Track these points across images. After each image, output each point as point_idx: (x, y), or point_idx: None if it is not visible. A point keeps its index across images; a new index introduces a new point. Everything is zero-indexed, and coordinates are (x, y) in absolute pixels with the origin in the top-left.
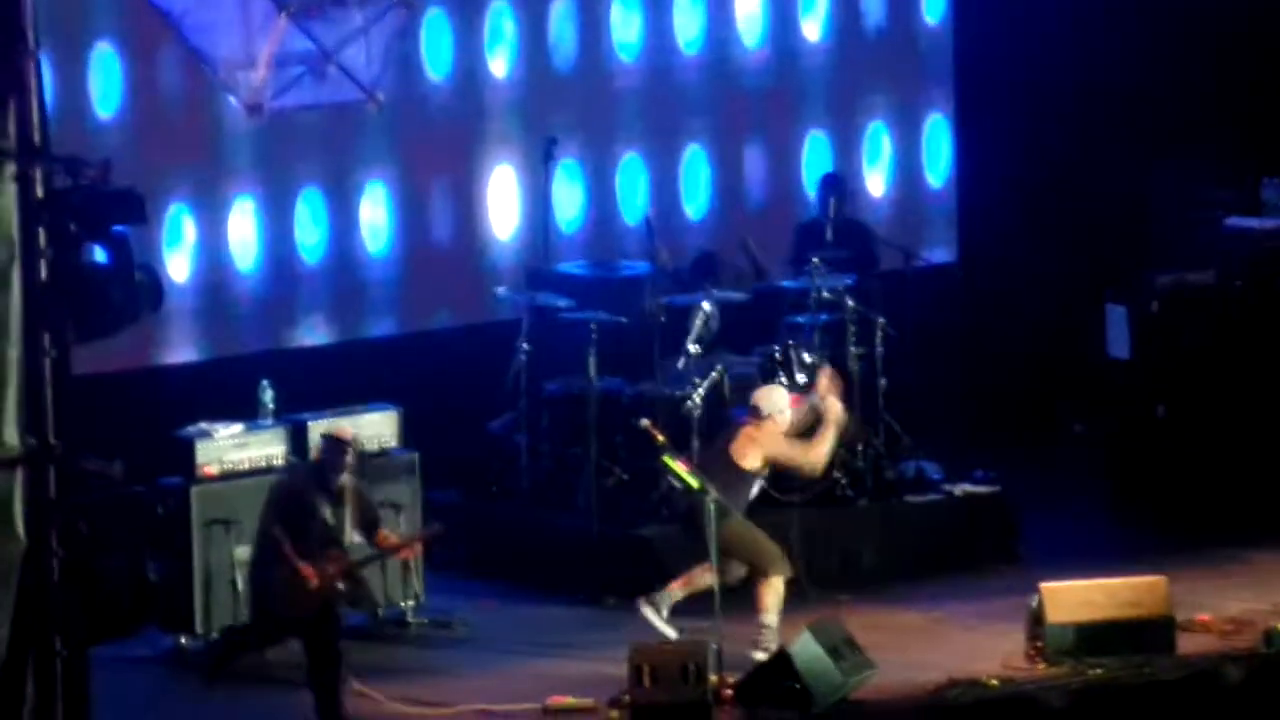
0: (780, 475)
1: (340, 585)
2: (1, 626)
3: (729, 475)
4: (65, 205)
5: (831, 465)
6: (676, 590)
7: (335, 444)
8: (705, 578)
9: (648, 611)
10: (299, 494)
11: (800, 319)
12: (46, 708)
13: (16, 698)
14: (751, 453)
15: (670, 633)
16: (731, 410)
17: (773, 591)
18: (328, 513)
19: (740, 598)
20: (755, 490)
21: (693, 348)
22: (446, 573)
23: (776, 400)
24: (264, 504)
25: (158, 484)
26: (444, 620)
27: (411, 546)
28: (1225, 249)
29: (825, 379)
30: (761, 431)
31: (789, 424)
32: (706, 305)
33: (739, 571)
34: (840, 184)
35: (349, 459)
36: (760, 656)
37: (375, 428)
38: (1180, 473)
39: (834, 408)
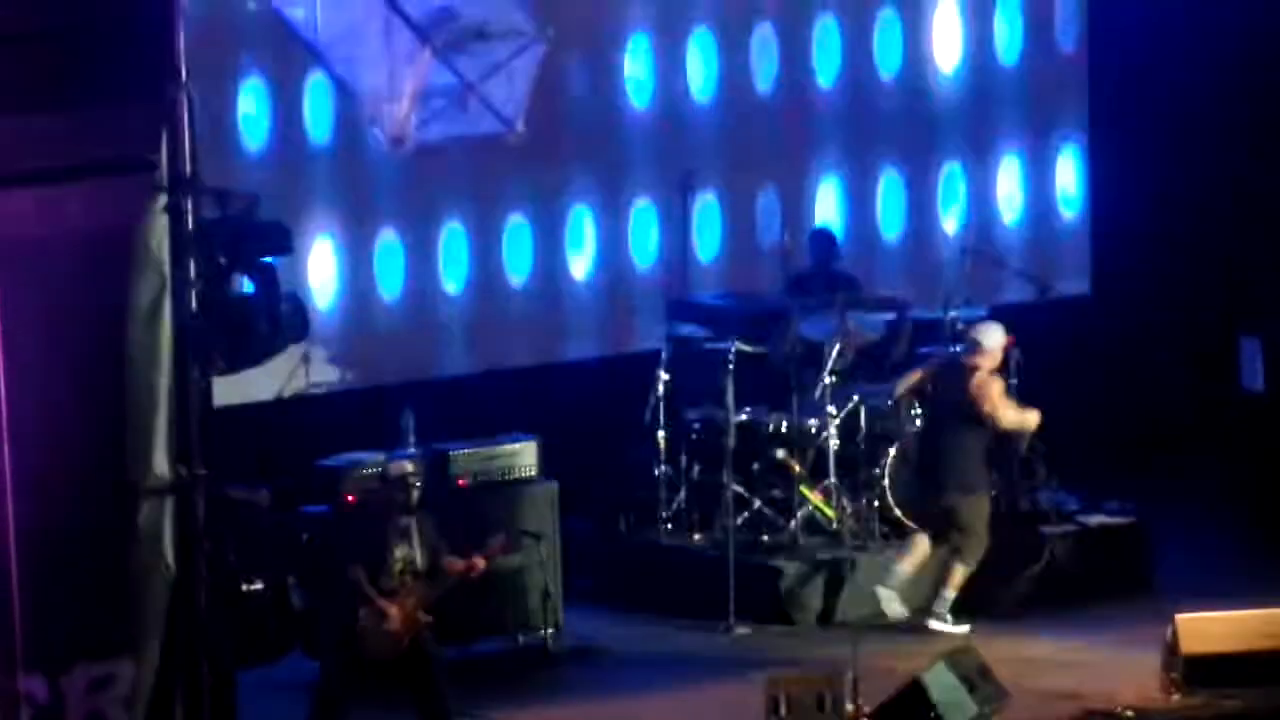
0: None
1: (424, 618)
2: (153, 653)
3: (969, 425)
4: (214, 237)
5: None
6: (907, 568)
7: (399, 482)
8: (923, 546)
9: (935, 624)
10: (372, 534)
11: (935, 349)
12: None
13: None
14: (988, 392)
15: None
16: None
17: (963, 574)
18: (400, 549)
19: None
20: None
21: (828, 378)
22: (585, 601)
23: (997, 337)
24: (332, 549)
25: (302, 512)
26: (583, 647)
27: (476, 562)
28: None
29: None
30: (985, 371)
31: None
32: (848, 325)
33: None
34: (831, 240)
35: (415, 495)
36: (935, 625)
37: (515, 457)
38: None
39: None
